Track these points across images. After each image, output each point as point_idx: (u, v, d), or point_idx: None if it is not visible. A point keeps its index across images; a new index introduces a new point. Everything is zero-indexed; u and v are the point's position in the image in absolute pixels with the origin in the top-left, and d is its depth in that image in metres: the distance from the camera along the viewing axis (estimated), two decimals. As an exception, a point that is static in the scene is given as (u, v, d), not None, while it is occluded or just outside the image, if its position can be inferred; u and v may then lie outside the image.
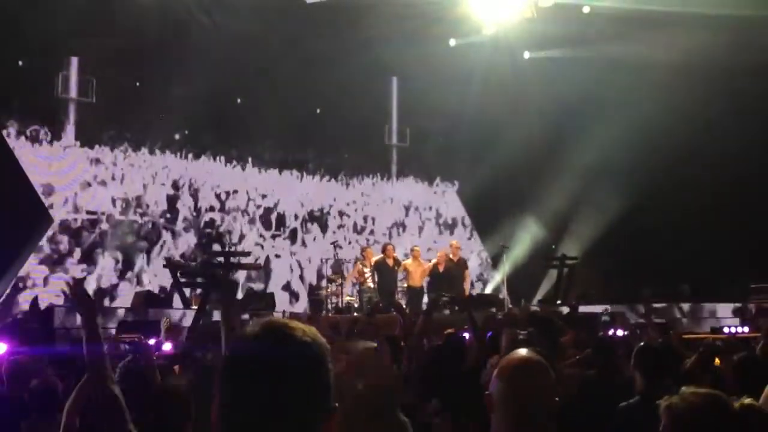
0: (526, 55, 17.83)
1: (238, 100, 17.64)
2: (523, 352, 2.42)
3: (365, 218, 18.60)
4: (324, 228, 17.99)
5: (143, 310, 11.80)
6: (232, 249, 15.49)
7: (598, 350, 5.01)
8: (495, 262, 18.34)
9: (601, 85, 15.48)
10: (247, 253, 14.69)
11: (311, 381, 1.43)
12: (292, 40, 15.82)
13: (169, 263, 13.81)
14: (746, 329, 8.78)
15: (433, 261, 14.21)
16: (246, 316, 10.64)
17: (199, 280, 12.47)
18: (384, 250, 13.83)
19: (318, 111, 18.53)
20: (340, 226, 18.23)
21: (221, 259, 12.29)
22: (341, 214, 18.40)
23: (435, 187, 19.94)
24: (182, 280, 12.85)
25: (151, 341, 7.48)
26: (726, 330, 8.64)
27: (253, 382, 1.40)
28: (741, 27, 13.58)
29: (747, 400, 2.65)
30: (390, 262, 13.57)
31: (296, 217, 17.76)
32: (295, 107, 17.33)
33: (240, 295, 13.93)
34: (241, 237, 16.83)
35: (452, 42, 17.74)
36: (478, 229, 19.60)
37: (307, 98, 17.33)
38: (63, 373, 5.28)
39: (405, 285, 14.05)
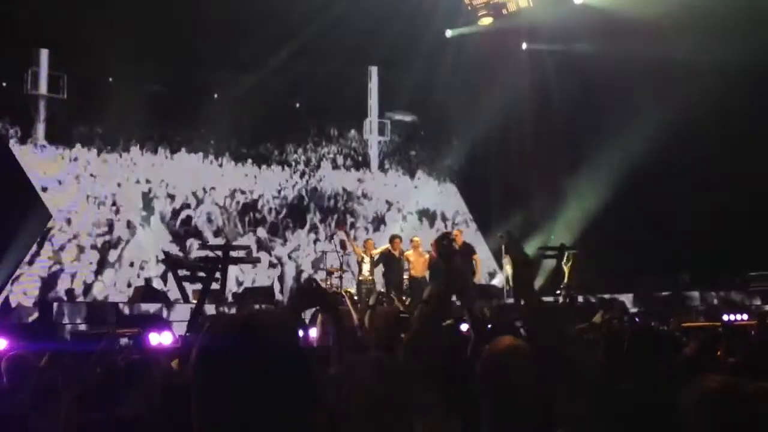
0: (524, 46, 17.65)
1: (215, 95, 17.32)
2: (505, 339, 2.43)
3: (345, 212, 18.31)
4: (304, 222, 17.68)
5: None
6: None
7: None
8: (496, 254, 18.20)
9: (601, 77, 15.41)
10: (246, 247, 14.43)
11: (293, 373, 1.38)
12: (273, 33, 15.46)
13: (168, 258, 13.53)
14: (745, 317, 8.63)
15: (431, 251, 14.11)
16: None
17: (199, 274, 12.19)
18: (391, 242, 13.74)
19: (297, 105, 18.27)
20: (321, 221, 17.93)
21: (219, 253, 12.08)
22: (321, 208, 18.09)
23: (416, 181, 19.71)
24: (181, 274, 12.50)
25: (152, 335, 7.32)
26: (725, 318, 8.49)
27: (232, 376, 1.35)
28: (730, 26, 13.53)
29: (762, 384, 2.59)
30: (396, 254, 13.52)
31: (276, 212, 17.44)
32: (274, 101, 17.03)
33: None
34: (219, 233, 16.47)
35: (448, 33, 17.47)
36: (476, 221, 19.48)
37: (286, 92, 17.01)
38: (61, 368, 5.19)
39: (406, 276, 13.95)
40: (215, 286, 11.02)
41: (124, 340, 7.60)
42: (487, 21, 16.42)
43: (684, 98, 13.56)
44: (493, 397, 2.28)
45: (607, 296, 12.08)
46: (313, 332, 7.04)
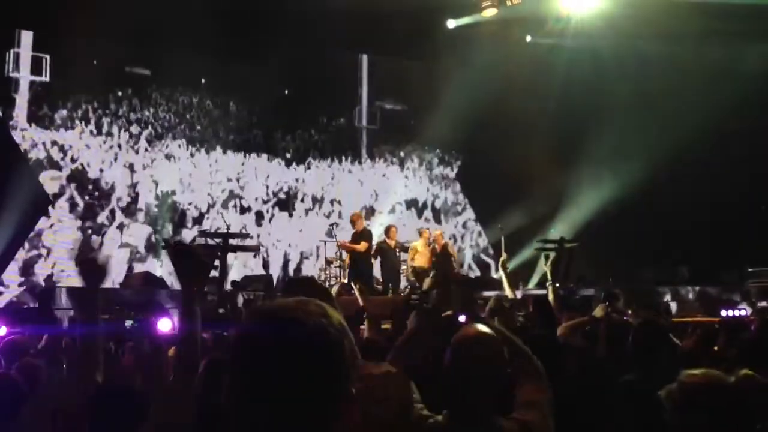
0: (528, 38, 17.47)
1: (203, 80, 17.03)
2: (476, 326, 2.56)
3: (333, 201, 18.08)
4: (291, 212, 17.43)
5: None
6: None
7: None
8: (494, 246, 18.16)
9: (605, 71, 15.41)
10: (247, 235, 14.23)
11: (323, 364, 1.34)
12: (261, 18, 15.15)
13: (168, 245, 13.34)
14: (743, 312, 8.58)
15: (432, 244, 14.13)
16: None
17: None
18: (387, 232, 13.56)
19: (286, 92, 17.99)
20: (308, 210, 17.68)
21: (219, 240, 11.99)
22: (309, 197, 17.83)
23: (406, 170, 19.49)
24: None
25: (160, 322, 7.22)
26: (723, 313, 8.45)
27: (261, 364, 1.33)
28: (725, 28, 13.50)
29: (743, 371, 2.78)
30: (392, 243, 13.32)
31: (263, 200, 17.18)
32: (262, 88, 16.74)
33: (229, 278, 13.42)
34: (205, 220, 16.19)
35: (451, 23, 17.21)
36: (474, 212, 19.40)
37: (275, 78, 16.71)
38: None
39: (413, 265, 13.88)
40: (214, 273, 10.97)
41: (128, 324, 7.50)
42: (490, 12, 16.17)
43: (687, 96, 13.57)
44: (460, 382, 2.39)
45: (607, 290, 11.99)
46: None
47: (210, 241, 12.12)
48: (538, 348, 3.61)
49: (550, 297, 5.56)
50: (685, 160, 14.33)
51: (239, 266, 15.55)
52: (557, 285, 5.65)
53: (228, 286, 12.53)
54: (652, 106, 14.53)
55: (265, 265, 16.33)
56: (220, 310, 6.85)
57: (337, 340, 1.36)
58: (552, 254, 6.81)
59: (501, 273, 6.30)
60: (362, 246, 12.44)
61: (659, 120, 14.43)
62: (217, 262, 11.56)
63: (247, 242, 13.70)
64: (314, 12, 14.75)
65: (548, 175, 16.71)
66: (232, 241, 12.44)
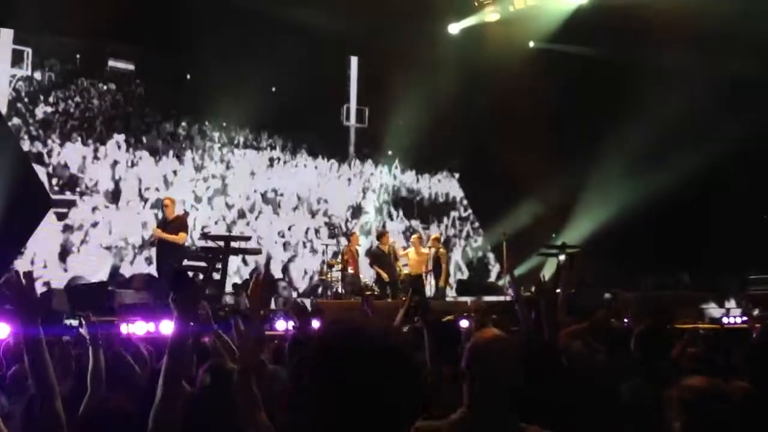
0: (531, 44, 17.39)
1: (188, 76, 16.78)
2: (494, 330, 2.70)
3: (320, 200, 17.85)
4: (277, 210, 17.19)
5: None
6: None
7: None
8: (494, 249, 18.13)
9: (607, 77, 15.50)
10: (248, 238, 14.07)
11: (411, 370, 1.45)
12: (249, 12, 14.92)
13: None
14: (744, 319, 8.53)
15: (432, 249, 14.19)
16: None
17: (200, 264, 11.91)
18: (379, 238, 13.43)
19: (273, 89, 17.77)
20: (295, 209, 17.45)
21: (221, 243, 11.86)
22: (295, 195, 17.59)
23: (395, 170, 19.31)
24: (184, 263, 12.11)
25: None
26: (725, 320, 8.41)
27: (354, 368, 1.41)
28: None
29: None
30: (386, 249, 13.20)
31: (248, 198, 16.93)
32: (249, 84, 16.50)
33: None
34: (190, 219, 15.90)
35: (453, 28, 17.06)
36: (476, 216, 19.29)
37: (263, 75, 16.48)
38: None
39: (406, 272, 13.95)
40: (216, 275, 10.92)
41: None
42: (494, 17, 16.11)
43: (686, 102, 13.58)
44: (476, 384, 2.46)
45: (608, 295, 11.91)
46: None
47: (211, 243, 11.99)
48: (538, 352, 3.47)
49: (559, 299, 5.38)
50: (689, 165, 14.31)
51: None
52: (563, 289, 5.47)
53: (229, 289, 12.47)
54: (655, 111, 14.49)
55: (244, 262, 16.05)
56: (220, 313, 6.78)
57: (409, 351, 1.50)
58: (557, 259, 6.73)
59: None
60: (181, 237, 11.42)
61: (662, 125, 14.40)
62: (218, 265, 11.46)
63: (249, 245, 13.50)
64: (313, 14, 14.60)
65: (550, 181, 16.62)
66: (234, 244, 12.31)
